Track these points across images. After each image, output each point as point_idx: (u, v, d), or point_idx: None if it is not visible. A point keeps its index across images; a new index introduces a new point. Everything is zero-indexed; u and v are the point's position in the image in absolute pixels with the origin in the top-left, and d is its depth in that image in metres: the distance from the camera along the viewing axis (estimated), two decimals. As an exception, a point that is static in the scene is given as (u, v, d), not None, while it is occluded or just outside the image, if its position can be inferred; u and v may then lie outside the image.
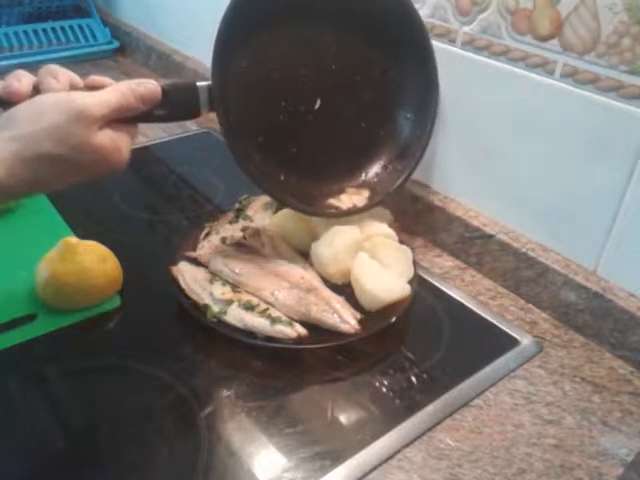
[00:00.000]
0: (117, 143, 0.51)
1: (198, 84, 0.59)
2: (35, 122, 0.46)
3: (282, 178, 0.72)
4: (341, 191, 0.75)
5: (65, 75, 0.52)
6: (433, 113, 0.75)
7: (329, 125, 0.73)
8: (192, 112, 0.60)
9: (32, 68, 0.55)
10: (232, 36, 0.64)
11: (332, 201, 0.74)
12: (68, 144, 0.47)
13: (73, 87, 0.52)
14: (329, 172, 0.76)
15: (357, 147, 0.76)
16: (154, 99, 0.54)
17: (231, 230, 0.76)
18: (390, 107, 0.76)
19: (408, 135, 0.76)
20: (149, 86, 0.54)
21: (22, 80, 0.51)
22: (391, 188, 0.75)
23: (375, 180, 0.76)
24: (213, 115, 0.63)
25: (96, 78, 0.54)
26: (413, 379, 0.61)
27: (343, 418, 0.57)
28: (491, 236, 0.74)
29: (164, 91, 0.55)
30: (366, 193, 0.75)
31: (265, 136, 0.70)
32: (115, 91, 0.51)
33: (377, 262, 0.69)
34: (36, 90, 0.51)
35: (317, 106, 0.72)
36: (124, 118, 0.52)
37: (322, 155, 0.75)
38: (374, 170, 0.77)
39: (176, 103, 0.57)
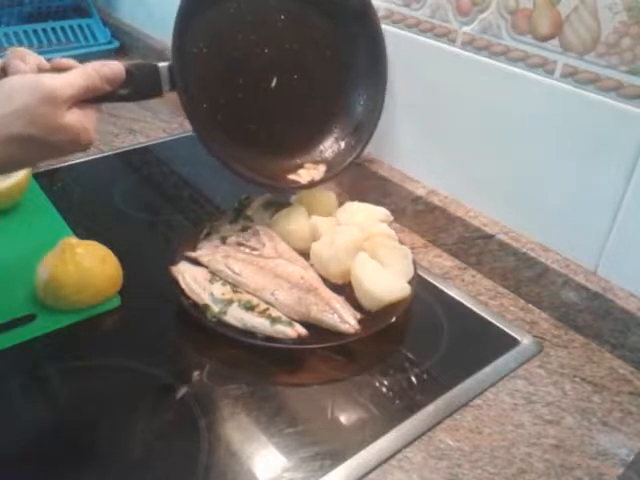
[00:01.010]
0: (84, 123, 0.52)
1: (159, 64, 0.61)
2: (5, 105, 0.48)
3: (243, 154, 0.74)
4: (299, 166, 0.79)
5: (32, 57, 0.53)
6: (383, 90, 0.79)
7: (286, 102, 0.77)
8: (154, 91, 0.62)
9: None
10: (191, 15, 0.66)
11: (291, 176, 0.78)
12: (38, 125, 0.49)
13: (40, 69, 0.53)
14: (287, 148, 0.79)
15: (313, 123, 0.81)
16: (118, 79, 0.56)
17: (231, 230, 0.76)
18: (343, 85, 0.81)
19: (361, 111, 0.81)
20: (113, 67, 0.55)
21: None
22: (346, 162, 0.79)
23: (331, 155, 0.81)
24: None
25: (62, 60, 0.55)
26: (413, 379, 0.61)
27: (343, 418, 0.57)
28: (491, 236, 0.74)
29: (128, 72, 0.57)
30: (323, 168, 0.79)
31: (224, 113, 0.73)
32: (81, 73, 0.53)
33: (377, 262, 0.69)
34: (4, 72, 0.52)
35: (273, 84, 0.75)
36: (90, 98, 0.54)
37: (280, 132, 0.78)
38: (330, 145, 0.81)
39: (139, 83, 0.59)
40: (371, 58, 0.79)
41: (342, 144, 0.81)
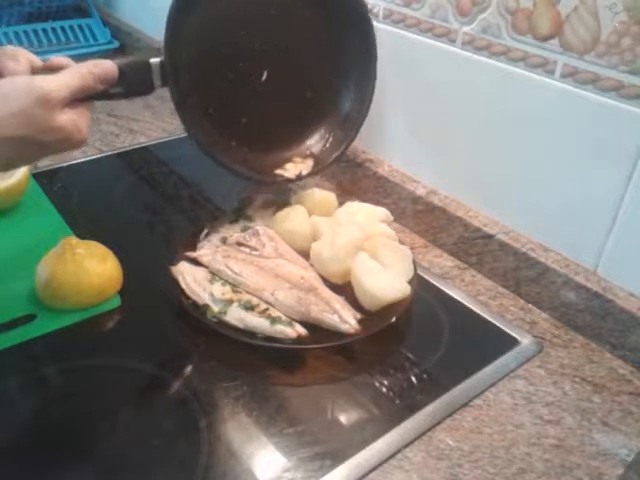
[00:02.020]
0: (77, 122, 0.53)
1: (151, 60, 0.62)
2: (1, 107, 0.48)
3: (231, 149, 0.75)
4: (287, 160, 0.80)
5: (24, 57, 0.54)
6: (372, 85, 0.80)
7: (276, 96, 0.78)
8: (146, 88, 0.63)
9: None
10: (183, 11, 0.67)
11: (279, 171, 0.79)
12: (33, 126, 0.49)
13: (33, 68, 0.54)
14: (276, 142, 0.80)
15: (302, 118, 0.82)
16: (111, 79, 0.57)
17: (231, 230, 0.76)
18: (333, 79, 0.81)
19: (349, 107, 0.82)
20: (106, 66, 0.56)
21: None
22: (333, 156, 0.81)
23: (319, 149, 0.82)
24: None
25: (55, 59, 0.56)
26: (413, 379, 0.61)
27: (343, 418, 0.57)
28: (491, 236, 0.74)
29: (120, 70, 0.57)
30: (310, 162, 0.81)
31: (215, 107, 0.74)
32: (75, 73, 0.53)
33: (377, 262, 0.69)
34: None
35: (264, 78, 0.76)
36: (82, 97, 0.54)
37: (269, 125, 0.79)
38: (318, 140, 0.82)
39: (131, 80, 0.60)
40: (361, 53, 0.80)
41: (330, 139, 0.82)
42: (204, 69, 0.72)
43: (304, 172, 0.79)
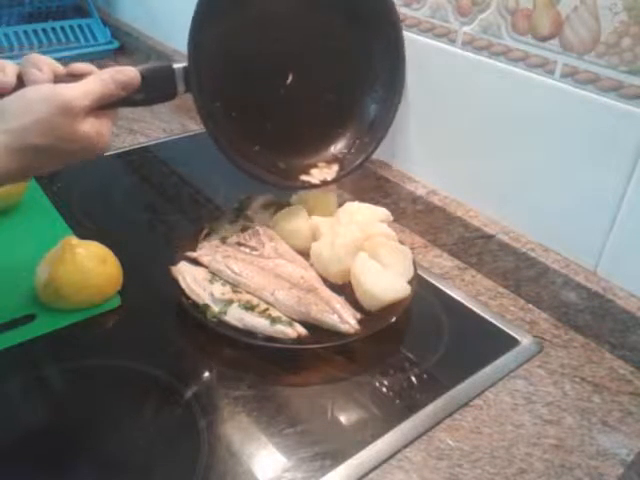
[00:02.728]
0: (100, 130, 0.53)
1: (174, 66, 0.61)
2: (23, 116, 0.49)
3: (255, 154, 0.74)
4: (313, 166, 0.79)
5: (47, 65, 0.54)
6: (399, 89, 0.78)
7: (301, 100, 0.76)
8: (169, 94, 0.62)
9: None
10: (207, 15, 0.65)
11: (304, 177, 0.77)
12: (55, 135, 0.50)
13: (56, 76, 0.54)
14: (301, 147, 0.79)
15: (328, 122, 0.80)
16: (133, 85, 0.56)
17: (231, 230, 0.76)
18: (359, 82, 0.79)
19: (375, 110, 0.80)
20: (128, 73, 0.56)
21: (7, 72, 0.52)
22: (358, 161, 0.78)
23: (344, 153, 0.80)
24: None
25: (77, 65, 0.55)
26: (413, 379, 0.61)
27: (343, 418, 0.57)
28: (491, 236, 0.74)
29: (142, 76, 0.57)
30: (335, 167, 0.79)
31: (238, 112, 0.73)
32: (97, 80, 0.53)
33: (377, 262, 0.69)
34: (20, 80, 0.52)
35: (289, 81, 0.74)
36: (105, 104, 0.54)
37: (294, 130, 0.77)
38: (343, 145, 0.81)
39: (154, 86, 0.59)
40: (389, 60, 0.78)
41: (356, 143, 0.80)
42: (228, 73, 0.71)
43: (329, 178, 0.77)
